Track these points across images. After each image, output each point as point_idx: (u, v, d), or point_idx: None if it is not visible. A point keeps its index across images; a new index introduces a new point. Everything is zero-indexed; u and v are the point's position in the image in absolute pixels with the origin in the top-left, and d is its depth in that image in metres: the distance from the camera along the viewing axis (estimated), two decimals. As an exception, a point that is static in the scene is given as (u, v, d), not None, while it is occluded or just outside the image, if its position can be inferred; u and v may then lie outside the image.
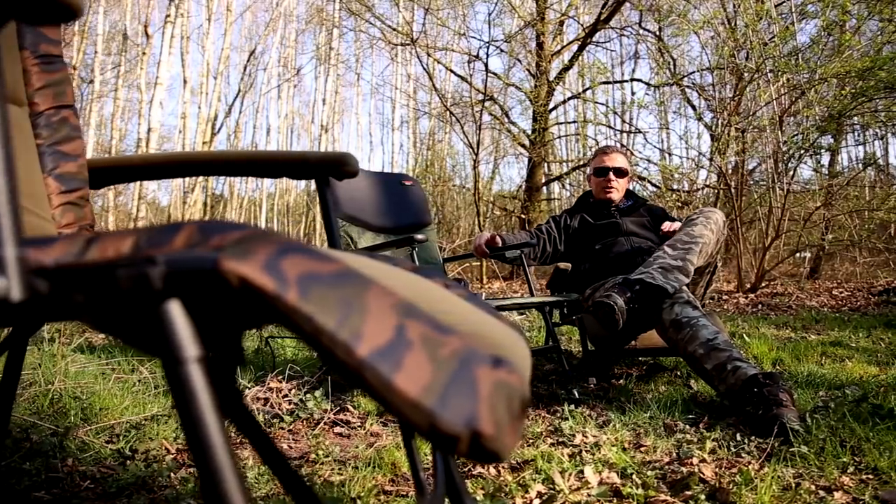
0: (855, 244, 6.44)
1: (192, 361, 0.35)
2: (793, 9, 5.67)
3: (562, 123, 10.77)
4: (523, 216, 7.87)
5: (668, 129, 11.03)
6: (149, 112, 8.14)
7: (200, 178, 11.18)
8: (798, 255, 7.15)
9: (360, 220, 1.98)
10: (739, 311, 4.48)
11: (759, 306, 4.72)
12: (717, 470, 1.16)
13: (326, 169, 0.88)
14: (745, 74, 5.62)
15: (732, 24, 6.12)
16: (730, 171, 6.25)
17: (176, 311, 0.35)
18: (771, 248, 5.98)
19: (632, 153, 8.72)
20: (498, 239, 2.18)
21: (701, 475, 1.11)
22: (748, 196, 6.45)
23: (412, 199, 2.18)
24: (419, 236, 1.53)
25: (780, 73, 5.38)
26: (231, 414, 0.43)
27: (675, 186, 7.49)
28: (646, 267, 1.84)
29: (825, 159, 7.87)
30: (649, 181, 7.52)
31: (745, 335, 2.98)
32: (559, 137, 11.41)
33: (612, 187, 2.26)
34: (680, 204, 6.66)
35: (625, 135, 10.05)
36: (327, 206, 0.89)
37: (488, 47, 7.00)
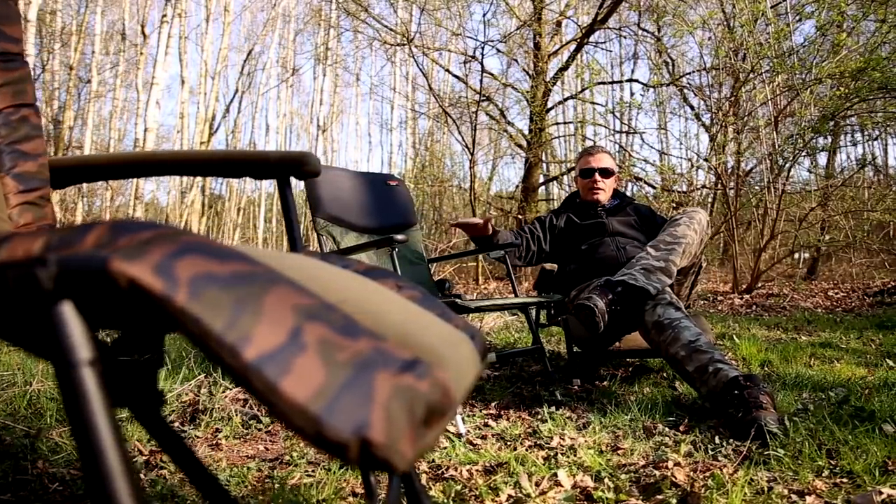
0: (850, 245, 6.43)
1: (84, 364, 0.34)
2: (788, 9, 5.65)
3: (559, 124, 10.75)
4: (520, 217, 7.85)
5: (664, 129, 11.02)
6: (145, 112, 8.13)
7: (198, 179, 11.17)
8: (796, 255, 7.14)
9: (344, 220, 1.96)
10: (733, 312, 4.46)
11: (754, 307, 4.71)
12: (691, 473, 1.15)
13: (287, 168, 0.87)
14: (741, 75, 5.61)
15: (730, 25, 6.11)
16: (727, 172, 6.24)
17: (68, 312, 0.34)
18: (767, 248, 5.97)
19: (629, 154, 8.71)
20: (490, 227, 2.11)
21: (673, 479, 1.10)
22: (744, 197, 6.43)
23: (397, 200, 2.17)
24: (399, 237, 1.52)
25: (775, 74, 5.36)
26: (145, 419, 0.42)
27: (674, 187, 7.47)
28: (629, 268, 1.83)
29: (822, 160, 7.86)
30: (646, 182, 7.50)
31: (735, 336, 2.96)
32: (557, 138, 11.39)
33: (598, 188, 2.25)
34: (675, 205, 6.65)
35: (623, 135, 10.04)
36: (288, 206, 0.88)
37: (483, 47, 7.00)
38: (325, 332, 0.34)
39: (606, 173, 2.26)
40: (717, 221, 6.88)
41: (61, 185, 0.97)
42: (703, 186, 7.25)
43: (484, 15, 7.35)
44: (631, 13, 9.21)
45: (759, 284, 6.02)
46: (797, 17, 5.57)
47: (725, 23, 6.24)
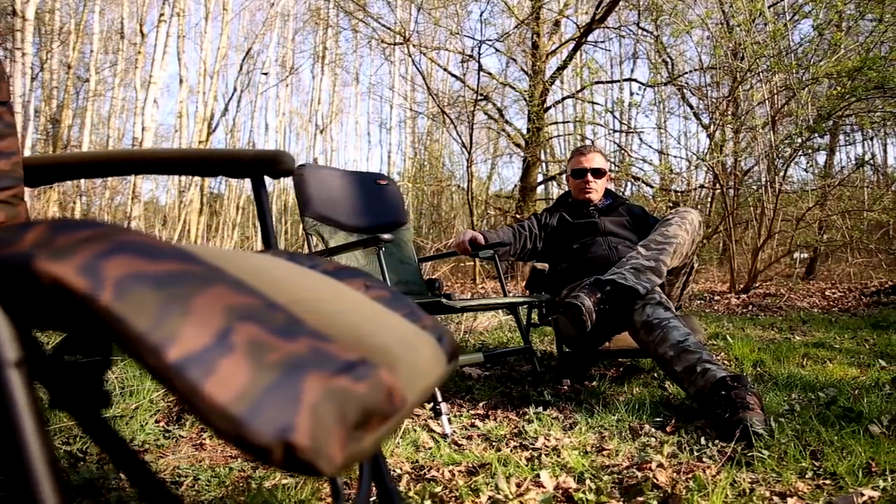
0: (847, 244, 6.41)
1: (9, 365, 0.33)
2: (785, 8, 5.63)
3: (558, 123, 10.73)
4: (518, 216, 7.84)
5: (661, 129, 11.00)
6: (143, 111, 8.13)
7: (196, 178, 11.15)
8: (795, 255, 7.12)
9: (333, 219, 1.96)
10: (729, 312, 4.45)
11: (750, 307, 4.70)
12: (674, 475, 1.14)
13: (260, 167, 0.86)
14: (738, 75, 5.60)
15: (729, 25, 6.09)
16: (726, 172, 6.22)
17: (-7, 312, 0.34)
18: (764, 248, 5.96)
19: (628, 154, 8.70)
20: (481, 238, 2.15)
21: (655, 481, 1.09)
22: (742, 196, 6.42)
23: (387, 199, 2.16)
24: (385, 236, 1.51)
25: (772, 73, 5.35)
26: (86, 421, 0.41)
27: (672, 187, 7.45)
28: (618, 267, 1.82)
29: (821, 160, 7.85)
30: (644, 181, 7.49)
31: (728, 336, 2.96)
32: (556, 137, 11.38)
33: (590, 188, 2.24)
34: (671, 204, 6.64)
35: (622, 135, 10.03)
36: (262, 205, 0.87)
37: (480, 46, 6.98)
38: (257, 333, 0.34)
39: (598, 173, 2.25)
40: (715, 221, 6.87)
41: (35, 184, 0.96)
42: (701, 186, 7.24)
43: (481, 14, 7.35)
44: (631, 13, 9.19)
45: (757, 284, 6.01)
46: (793, 16, 5.55)
47: (725, 22, 6.23)
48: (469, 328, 3.27)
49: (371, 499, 0.84)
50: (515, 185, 9.13)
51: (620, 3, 7.64)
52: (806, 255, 7.39)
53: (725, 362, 2.41)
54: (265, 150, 0.86)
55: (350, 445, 0.32)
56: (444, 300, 1.47)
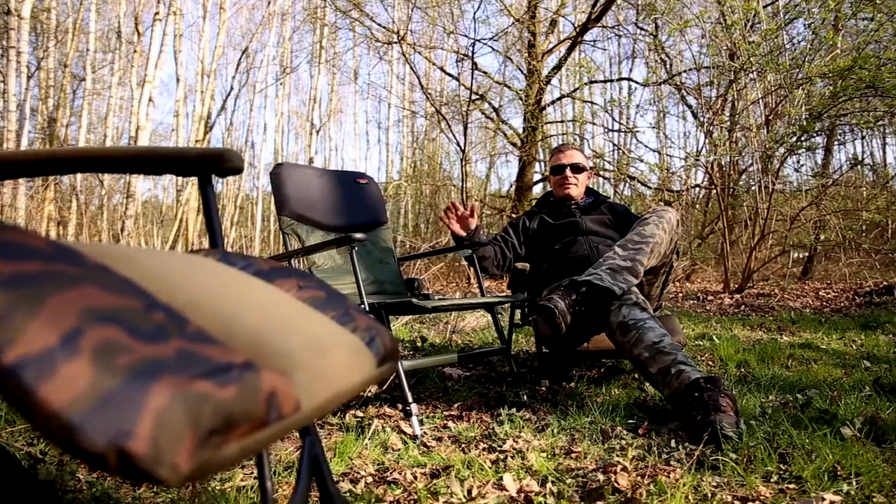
0: (840, 245, 6.39)
1: None
2: (780, 8, 5.61)
3: (553, 122, 10.71)
4: (513, 216, 7.83)
5: (657, 128, 10.98)
6: (137, 110, 8.12)
7: (194, 178, 11.11)
8: (794, 255, 7.09)
9: (310, 218, 1.94)
10: (721, 312, 4.44)
11: (742, 307, 4.68)
12: (637, 478, 1.13)
13: (206, 165, 0.85)
14: (732, 74, 5.58)
15: (726, 23, 6.07)
16: (721, 171, 6.20)
17: None
18: (758, 248, 5.94)
19: (625, 153, 8.68)
20: (474, 224, 2.09)
21: (615, 485, 1.07)
22: (736, 196, 6.40)
23: (366, 198, 2.15)
24: (357, 235, 1.50)
25: (765, 72, 5.33)
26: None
27: (672, 187, 7.43)
28: (595, 268, 1.81)
29: (818, 159, 7.83)
30: (639, 181, 7.47)
31: (715, 337, 2.94)
32: (553, 136, 11.37)
33: (569, 183, 2.23)
34: (664, 203, 6.62)
35: (619, 134, 10.01)
36: (209, 204, 0.86)
37: (474, 45, 6.97)
38: (114, 336, 0.32)
39: (577, 169, 2.24)
40: (710, 220, 6.85)
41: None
42: (696, 186, 7.22)
43: (475, 13, 7.35)
44: (629, 12, 9.18)
45: (751, 284, 5.99)
46: (786, 14, 5.53)
47: (722, 20, 6.21)
48: (455, 328, 3.26)
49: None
50: (512, 185, 9.11)
51: (617, 1, 7.63)
52: (802, 255, 7.37)
53: (710, 363, 2.40)
54: (211, 147, 0.85)
55: (202, 454, 0.31)
56: (414, 300, 1.46)
